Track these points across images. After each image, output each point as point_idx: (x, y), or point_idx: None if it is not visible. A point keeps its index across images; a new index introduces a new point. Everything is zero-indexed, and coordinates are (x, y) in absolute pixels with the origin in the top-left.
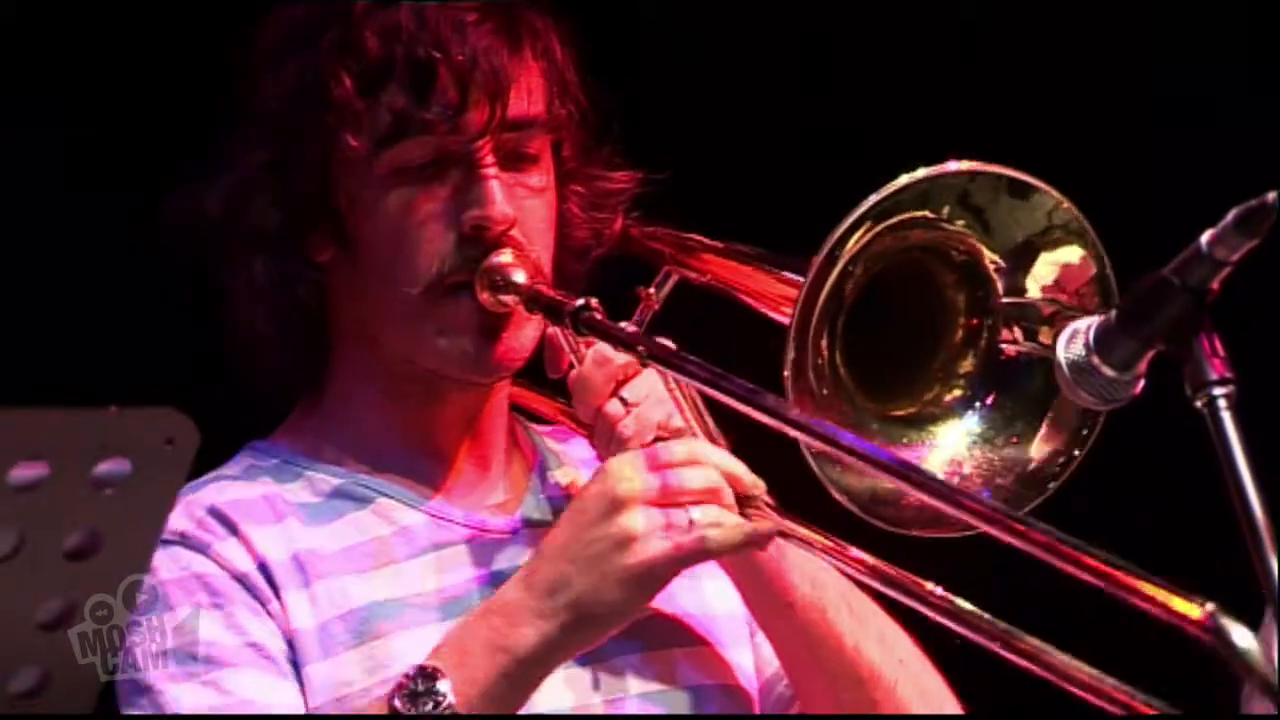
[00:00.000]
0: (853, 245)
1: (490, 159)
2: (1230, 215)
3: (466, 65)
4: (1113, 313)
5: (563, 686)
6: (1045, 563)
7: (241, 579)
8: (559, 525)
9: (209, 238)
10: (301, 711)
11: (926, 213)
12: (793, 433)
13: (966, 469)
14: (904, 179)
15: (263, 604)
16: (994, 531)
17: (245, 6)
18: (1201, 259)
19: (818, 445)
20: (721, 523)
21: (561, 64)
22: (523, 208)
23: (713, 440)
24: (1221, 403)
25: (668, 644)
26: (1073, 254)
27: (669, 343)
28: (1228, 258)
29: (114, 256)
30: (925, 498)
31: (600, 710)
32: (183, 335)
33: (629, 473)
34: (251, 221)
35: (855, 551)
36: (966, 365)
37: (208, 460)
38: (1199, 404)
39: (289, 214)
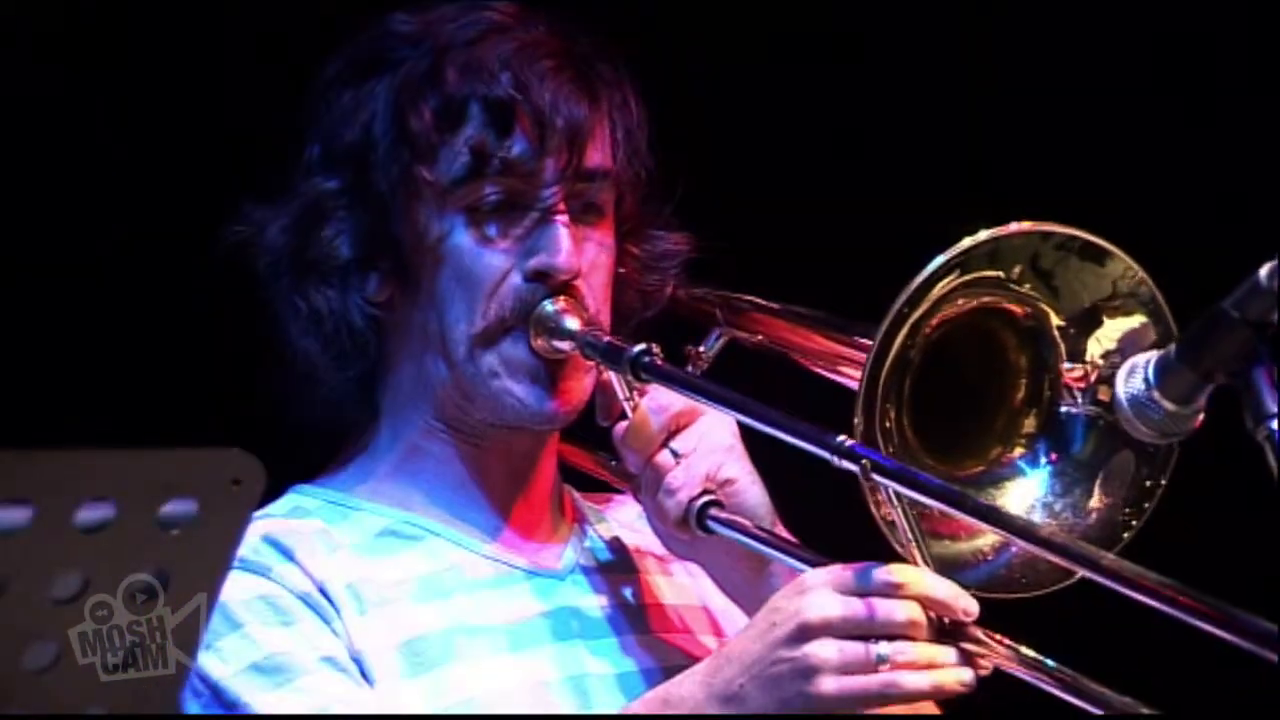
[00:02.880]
0: (926, 302)
1: (562, 207)
2: None
3: (546, 111)
4: (1172, 346)
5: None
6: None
7: (304, 597)
8: (750, 631)
9: (271, 264)
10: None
11: (998, 273)
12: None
13: None
14: (977, 237)
15: (327, 621)
16: (1085, 571)
17: (312, 33)
18: (1260, 291)
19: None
20: (915, 663)
21: (635, 120)
22: (588, 261)
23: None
24: None
25: None
26: (1135, 321)
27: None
28: None
29: (175, 294)
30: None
31: None
32: (239, 374)
33: (824, 597)
34: (316, 251)
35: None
36: (1029, 425)
37: None
38: (1260, 437)
39: (355, 245)
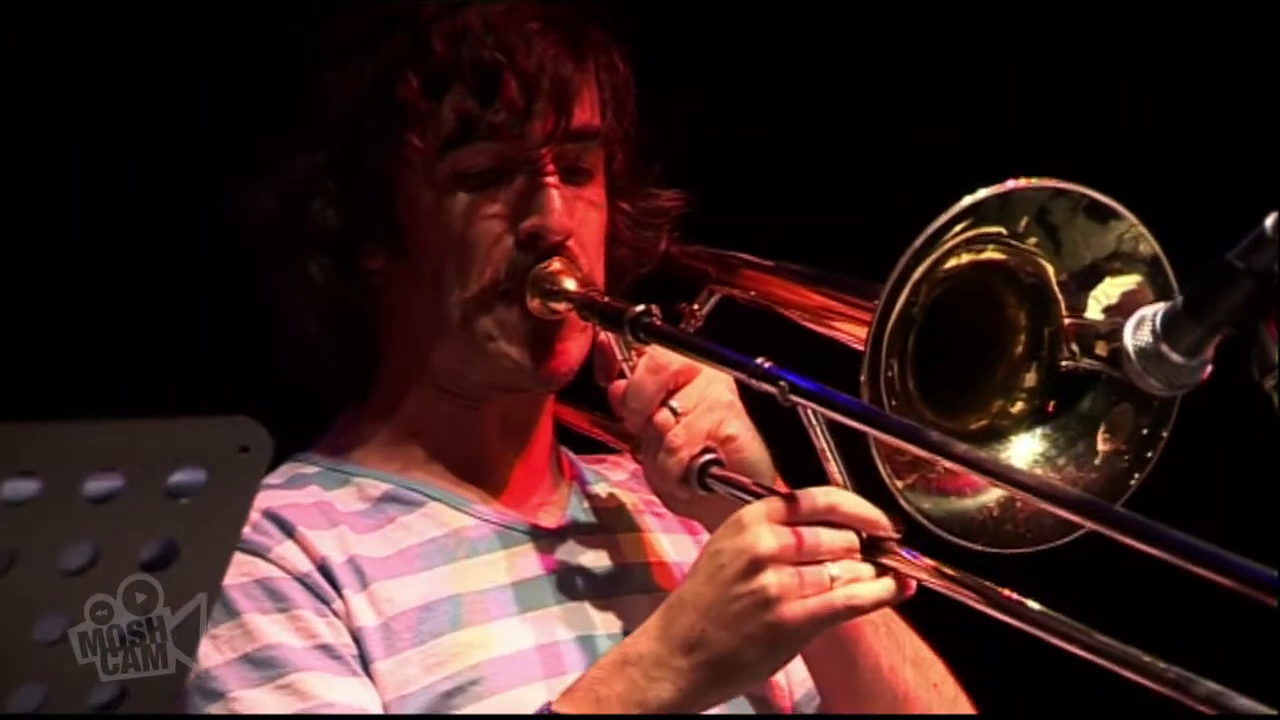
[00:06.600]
0: (934, 253)
1: (551, 168)
2: None
3: (533, 72)
4: (1179, 299)
5: None
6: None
7: (303, 579)
8: (695, 576)
9: (261, 238)
10: (379, 710)
11: (1001, 229)
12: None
13: None
14: (985, 191)
15: (326, 603)
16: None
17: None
18: (1266, 242)
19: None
20: (860, 577)
21: (622, 79)
22: (579, 222)
23: (838, 473)
24: None
25: None
26: (1134, 280)
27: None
28: None
29: (179, 264)
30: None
31: None
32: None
33: (766, 531)
34: (308, 224)
35: (997, 590)
36: (1030, 380)
37: None
38: (1267, 387)
39: (347, 217)
